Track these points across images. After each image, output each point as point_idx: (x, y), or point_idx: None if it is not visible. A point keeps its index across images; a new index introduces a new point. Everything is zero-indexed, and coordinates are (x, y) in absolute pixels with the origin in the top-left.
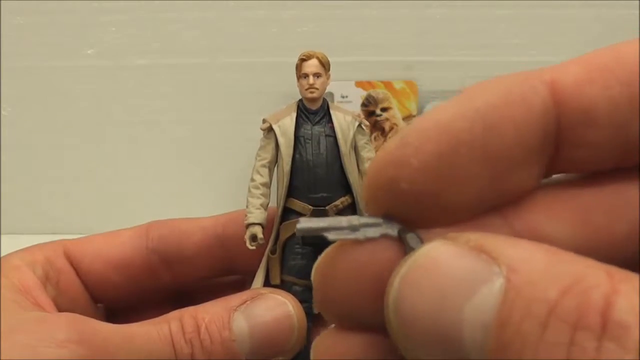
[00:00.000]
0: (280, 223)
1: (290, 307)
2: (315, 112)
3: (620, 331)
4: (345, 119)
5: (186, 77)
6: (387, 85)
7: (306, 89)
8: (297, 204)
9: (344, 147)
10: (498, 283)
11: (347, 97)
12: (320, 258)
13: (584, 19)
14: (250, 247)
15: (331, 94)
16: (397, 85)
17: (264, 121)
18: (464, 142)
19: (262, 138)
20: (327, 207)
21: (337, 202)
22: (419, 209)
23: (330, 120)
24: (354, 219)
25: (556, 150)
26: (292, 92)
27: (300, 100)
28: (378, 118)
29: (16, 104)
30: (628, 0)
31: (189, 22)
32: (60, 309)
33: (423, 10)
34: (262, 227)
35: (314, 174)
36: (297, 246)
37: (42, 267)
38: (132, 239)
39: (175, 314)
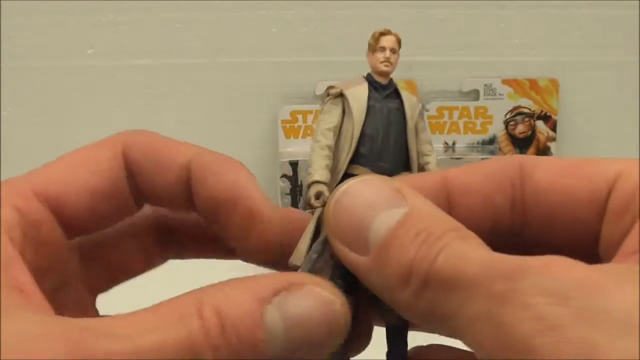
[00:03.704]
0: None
1: (338, 306)
2: (384, 87)
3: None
4: (411, 99)
5: (186, 77)
6: None
7: (381, 62)
8: (361, 170)
9: (411, 122)
10: (403, 210)
11: None
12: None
13: (584, 19)
14: (316, 205)
15: None
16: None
17: (332, 87)
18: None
19: (327, 104)
20: (391, 178)
21: (402, 175)
22: None
23: (398, 97)
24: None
25: (451, 212)
26: (292, 91)
27: (369, 75)
28: None
29: (16, 104)
30: (628, 0)
31: (189, 22)
32: (39, 270)
33: (423, 10)
34: (327, 187)
35: (381, 143)
36: None
37: (20, 227)
38: (111, 165)
39: (189, 303)
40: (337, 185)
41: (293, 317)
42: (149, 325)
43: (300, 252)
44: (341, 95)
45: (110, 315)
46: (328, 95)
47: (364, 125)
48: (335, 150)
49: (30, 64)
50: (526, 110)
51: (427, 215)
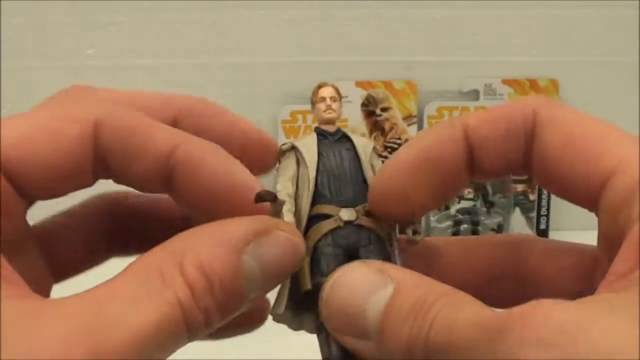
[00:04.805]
0: (307, 229)
1: (301, 246)
2: (332, 134)
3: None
4: (361, 139)
5: (186, 77)
6: (387, 85)
7: (324, 110)
8: (325, 208)
9: (364, 158)
10: (390, 288)
11: (347, 97)
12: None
13: (584, 19)
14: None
15: None
16: (397, 85)
17: (284, 144)
18: (419, 169)
19: (282, 161)
20: (355, 208)
21: (365, 205)
22: (399, 207)
23: (348, 140)
24: None
25: (471, 164)
26: (292, 91)
27: (316, 127)
28: (378, 118)
29: (16, 104)
30: (628, 0)
31: (189, 22)
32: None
33: (423, 10)
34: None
35: (339, 180)
36: (329, 247)
37: None
38: (76, 145)
39: (168, 261)
40: (304, 228)
41: (267, 261)
42: (136, 300)
43: (281, 302)
44: (292, 148)
45: (88, 294)
46: (282, 153)
47: (318, 168)
48: (295, 198)
49: (30, 64)
50: None
51: (413, 287)
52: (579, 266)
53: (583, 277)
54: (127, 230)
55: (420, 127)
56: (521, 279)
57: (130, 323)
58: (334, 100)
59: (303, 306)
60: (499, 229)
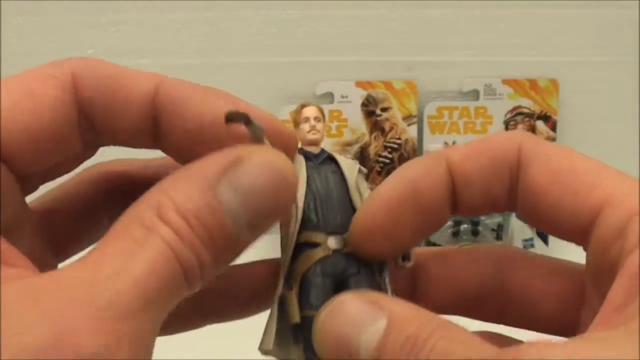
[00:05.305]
0: (294, 257)
1: (287, 170)
2: (317, 156)
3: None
4: (347, 160)
5: (186, 77)
6: (387, 85)
7: (308, 131)
8: (314, 235)
9: (351, 181)
10: (384, 321)
11: (347, 97)
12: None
13: (584, 19)
14: None
15: (331, 94)
16: (397, 85)
17: None
18: (402, 206)
19: None
20: (343, 236)
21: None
22: (380, 245)
23: (333, 161)
24: None
25: (455, 199)
26: (292, 92)
27: (300, 149)
28: (378, 118)
29: None
30: (628, 0)
31: (189, 22)
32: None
33: (423, 10)
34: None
35: (326, 205)
36: (318, 278)
37: None
38: (58, 104)
39: (147, 212)
40: (291, 256)
41: (247, 191)
42: (125, 252)
43: (269, 337)
44: None
45: (80, 261)
46: None
47: (306, 193)
48: (280, 224)
49: (30, 64)
50: (526, 110)
51: (408, 320)
52: (567, 290)
53: (569, 301)
54: (126, 199)
55: (420, 127)
56: (506, 300)
57: (126, 277)
58: (318, 121)
59: (292, 339)
60: (499, 229)
